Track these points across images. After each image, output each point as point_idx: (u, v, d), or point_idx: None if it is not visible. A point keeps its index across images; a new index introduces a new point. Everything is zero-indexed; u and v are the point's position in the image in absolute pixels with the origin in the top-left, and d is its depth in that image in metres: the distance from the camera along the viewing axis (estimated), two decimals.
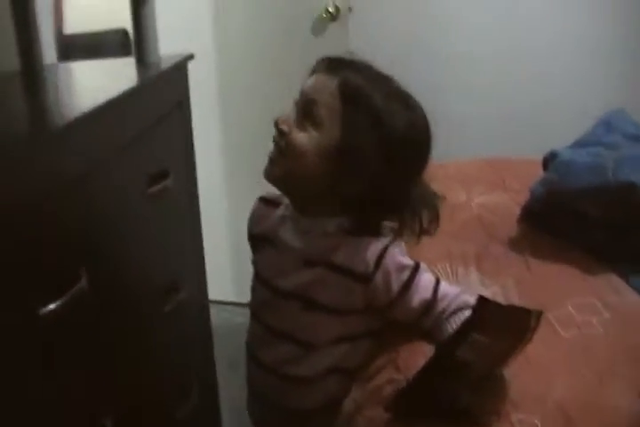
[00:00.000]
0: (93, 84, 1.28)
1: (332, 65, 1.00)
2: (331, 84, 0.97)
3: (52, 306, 0.75)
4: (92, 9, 2.56)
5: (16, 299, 0.72)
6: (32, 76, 1.26)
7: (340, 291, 1.00)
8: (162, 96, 1.28)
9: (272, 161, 1.01)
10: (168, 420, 1.21)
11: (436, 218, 1.03)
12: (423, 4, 2.51)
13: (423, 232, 1.03)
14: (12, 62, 1.31)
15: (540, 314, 0.87)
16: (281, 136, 0.99)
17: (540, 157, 1.46)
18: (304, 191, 1.01)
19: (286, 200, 1.07)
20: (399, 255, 1.00)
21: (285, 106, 1.03)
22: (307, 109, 0.97)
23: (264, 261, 1.11)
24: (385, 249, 0.99)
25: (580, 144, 1.38)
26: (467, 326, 0.87)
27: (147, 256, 1.15)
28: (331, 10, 2.29)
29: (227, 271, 2.33)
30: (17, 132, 0.85)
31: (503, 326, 0.85)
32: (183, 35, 1.82)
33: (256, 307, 1.13)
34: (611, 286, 1.17)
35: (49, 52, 1.45)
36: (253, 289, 1.13)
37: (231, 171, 2.41)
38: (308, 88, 0.99)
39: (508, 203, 1.49)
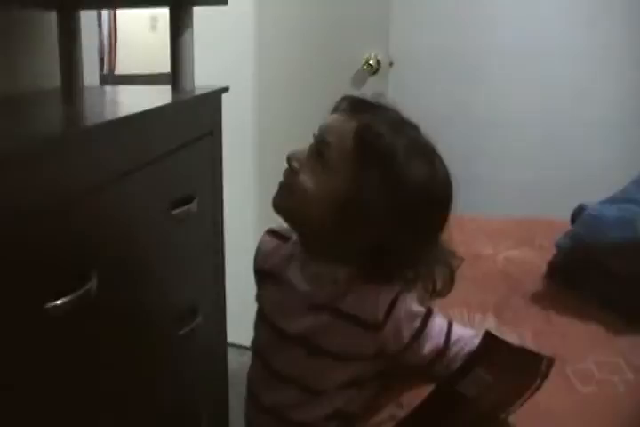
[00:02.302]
0: (126, 101, 1.35)
1: (354, 106, 0.97)
2: (348, 126, 0.93)
3: (58, 302, 0.78)
4: (145, 52, 2.72)
5: (26, 290, 0.75)
6: (70, 92, 1.34)
7: (348, 338, 0.99)
8: (193, 122, 1.35)
9: (280, 194, 1.00)
10: None
11: (450, 280, 1.00)
12: (465, 65, 2.61)
13: (436, 293, 1.02)
14: (55, 81, 1.40)
15: (551, 361, 0.86)
16: (291, 173, 0.99)
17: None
18: (310, 232, 1.00)
19: (295, 236, 1.07)
20: (410, 303, 0.99)
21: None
22: (319, 150, 0.95)
23: (268, 299, 1.10)
24: (396, 297, 0.97)
25: (610, 201, 1.40)
26: (470, 360, 0.86)
27: (164, 275, 1.18)
28: (372, 63, 2.38)
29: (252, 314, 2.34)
30: (47, 135, 0.90)
31: (510, 366, 0.84)
32: (226, 75, 1.92)
33: (260, 347, 1.12)
34: (637, 347, 1.16)
35: (92, 77, 1.56)
36: (257, 327, 1.12)
37: (263, 203, 2.46)
38: (324, 127, 0.97)
39: (536, 260, 1.51)
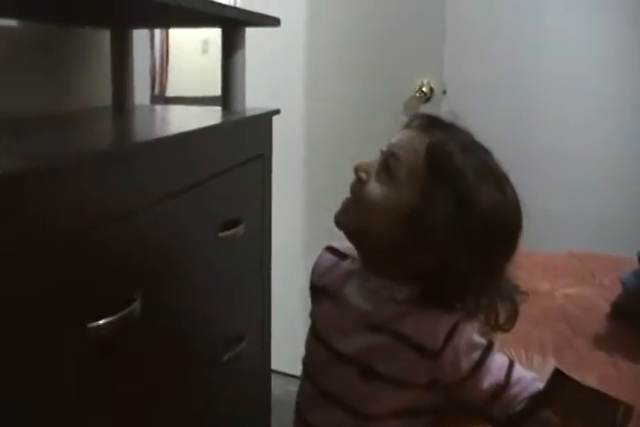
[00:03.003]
0: (176, 120, 1.35)
1: (428, 123, 0.96)
2: (420, 142, 0.93)
3: (101, 322, 0.76)
4: (196, 75, 2.77)
5: (69, 309, 0.73)
6: (122, 109, 1.34)
7: (403, 363, 0.96)
8: (243, 143, 1.33)
9: (345, 207, 0.99)
10: None
11: (514, 315, 0.96)
12: (520, 94, 2.57)
13: (497, 327, 0.97)
14: (107, 99, 1.41)
15: (631, 409, 0.80)
16: (358, 184, 0.97)
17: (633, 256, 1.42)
18: (373, 246, 0.98)
19: (355, 253, 1.04)
20: (472, 332, 0.95)
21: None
22: (387, 164, 0.94)
23: (322, 316, 1.07)
24: (456, 325, 0.94)
25: None
26: (537, 400, 0.81)
27: (209, 299, 1.17)
28: (424, 90, 2.35)
29: (298, 341, 2.32)
30: (95, 151, 0.89)
31: (581, 409, 0.79)
32: (276, 98, 1.91)
33: (310, 365, 1.09)
34: None
35: (143, 97, 1.56)
36: (309, 344, 1.09)
37: (310, 230, 2.45)
38: (394, 141, 0.96)
39: (596, 298, 1.44)
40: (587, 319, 1.32)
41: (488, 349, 0.95)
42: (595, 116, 2.52)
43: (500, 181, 0.93)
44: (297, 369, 2.17)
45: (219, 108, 1.39)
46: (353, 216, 0.97)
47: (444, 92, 2.42)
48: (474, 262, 0.90)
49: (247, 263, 1.38)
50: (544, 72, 2.57)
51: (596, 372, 1.10)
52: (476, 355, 0.93)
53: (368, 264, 1.01)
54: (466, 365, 0.93)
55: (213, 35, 3.01)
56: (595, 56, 2.50)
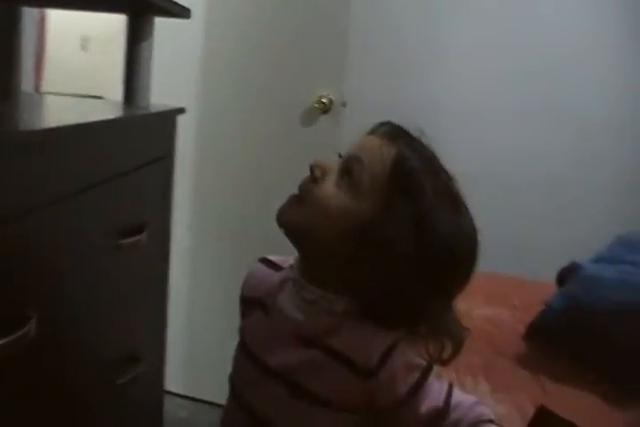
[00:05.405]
0: (72, 112, 1.20)
1: (395, 133, 0.92)
2: (387, 153, 0.88)
3: None
4: (74, 72, 2.59)
5: None
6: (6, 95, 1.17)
7: (335, 381, 0.89)
8: (146, 144, 1.21)
9: (289, 205, 0.92)
10: None
11: (458, 350, 0.91)
12: (425, 111, 2.56)
13: (438, 360, 0.91)
14: None
15: None
16: (310, 182, 0.91)
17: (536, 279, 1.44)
18: (315, 252, 0.92)
19: (292, 261, 0.98)
20: (410, 352, 0.89)
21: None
22: (349, 167, 0.89)
23: (252, 329, 1.00)
24: (395, 343, 0.88)
25: (601, 260, 1.34)
26: None
27: (108, 314, 1.06)
28: (324, 101, 2.31)
29: (179, 357, 2.21)
30: None
31: None
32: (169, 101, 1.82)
33: (238, 383, 1.01)
34: None
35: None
36: (237, 361, 1.01)
37: (197, 239, 2.34)
38: (358, 146, 0.91)
39: (510, 319, 1.46)
40: (506, 340, 1.33)
41: (427, 371, 0.89)
42: (511, 139, 2.55)
43: (459, 206, 0.90)
44: (177, 387, 2.05)
45: (119, 102, 1.25)
46: (298, 216, 0.90)
47: (344, 105, 2.39)
48: (421, 285, 0.86)
49: (147, 275, 1.25)
50: (453, 90, 2.58)
51: (528, 397, 1.08)
52: (415, 376, 0.88)
53: (307, 272, 0.94)
54: (403, 387, 0.88)
55: (94, 31, 2.86)
56: (503, 68, 2.53)
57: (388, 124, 0.94)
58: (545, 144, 2.52)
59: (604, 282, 1.19)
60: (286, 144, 2.38)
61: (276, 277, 0.99)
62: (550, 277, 1.65)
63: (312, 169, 0.90)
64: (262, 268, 1.03)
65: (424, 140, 0.93)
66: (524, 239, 2.44)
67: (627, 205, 2.43)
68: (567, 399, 1.09)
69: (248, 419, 0.96)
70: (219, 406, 2.20)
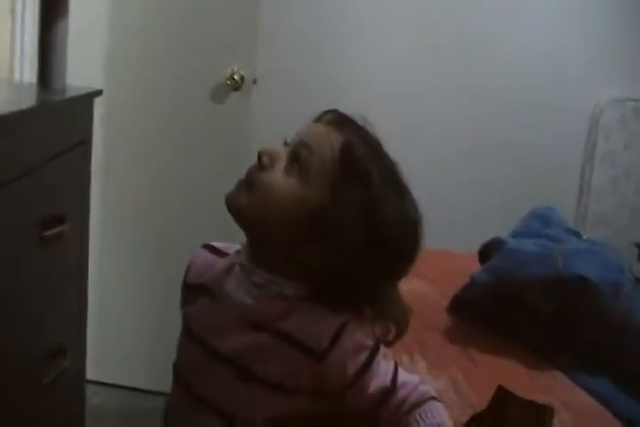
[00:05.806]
0: None
1: (341, 120, 0.94)
2: (335, 139, 0.90)
3: None
4: None
5: None
6: None
7: (285, 365, 0.90)
8: (64, 128, 1.17)
9: (238, 191, 0.92)
10: None
11: (402, 333, 0.95)
12: (332, 85, 2.57)
13: (383, 341, 0.94)
14: None
15: (553, 411, 0.87)
16: (257, 169, 0.91)
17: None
18: (266, 236, 0.93)
19: (238, 246, 0.98)
20: (359, 333, 0.92)
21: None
22: (297, 153, 0.90)
23: (198, 315, 0.99)
24: (344, 324, 0.90)
25: (519, 235, 1.40)
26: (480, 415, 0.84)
27: (31, 309, 1.02)
28: (236, 77, 2.29)
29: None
30: None
31: (519, 419, 0.84)
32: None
33: (182, 369, 1.00)
34: (557, 383, 1.16)
35: None
36: (182, 348, 1.00)
37: (103, 229, 2.27)
38: (306, 133, 0.92)
39: (431, 292, 1.49)
40: (430, 314, 1.36)
41: (375, 350, 0.92)
42: (417, 116, 2.59)
43: (404, 191, 0.93)
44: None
45: (33, 85, 1.19)
46: (247, 202, 0.91)
47: (255, 82, 2.37)
48: (369, 268, 0.89)
49: (67, 266, 1.21)
50: (366, 67, 2.59)
51: (460, 369, 1.12)
52: (363, 356, 0.91)
53: (257, 256, 0.95)
54: (353, 367, 0.90)
55: None
56: (407, 49, 2.56)
57: (334, 111, 0.95)
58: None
59: (525, 255, 1.25)
60: (197, 121, 2.33)
61: (221, 262, 0.99)
62: (460, 248, 1.73)
63: (260, 156, 0.90)
64: (206, 254, 1.03)
65: (368, 128, 0.95)
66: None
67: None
68: (495, 370, 1.15)
69: (192, 403, 0.96)
70: (132, 390, 2.18)
